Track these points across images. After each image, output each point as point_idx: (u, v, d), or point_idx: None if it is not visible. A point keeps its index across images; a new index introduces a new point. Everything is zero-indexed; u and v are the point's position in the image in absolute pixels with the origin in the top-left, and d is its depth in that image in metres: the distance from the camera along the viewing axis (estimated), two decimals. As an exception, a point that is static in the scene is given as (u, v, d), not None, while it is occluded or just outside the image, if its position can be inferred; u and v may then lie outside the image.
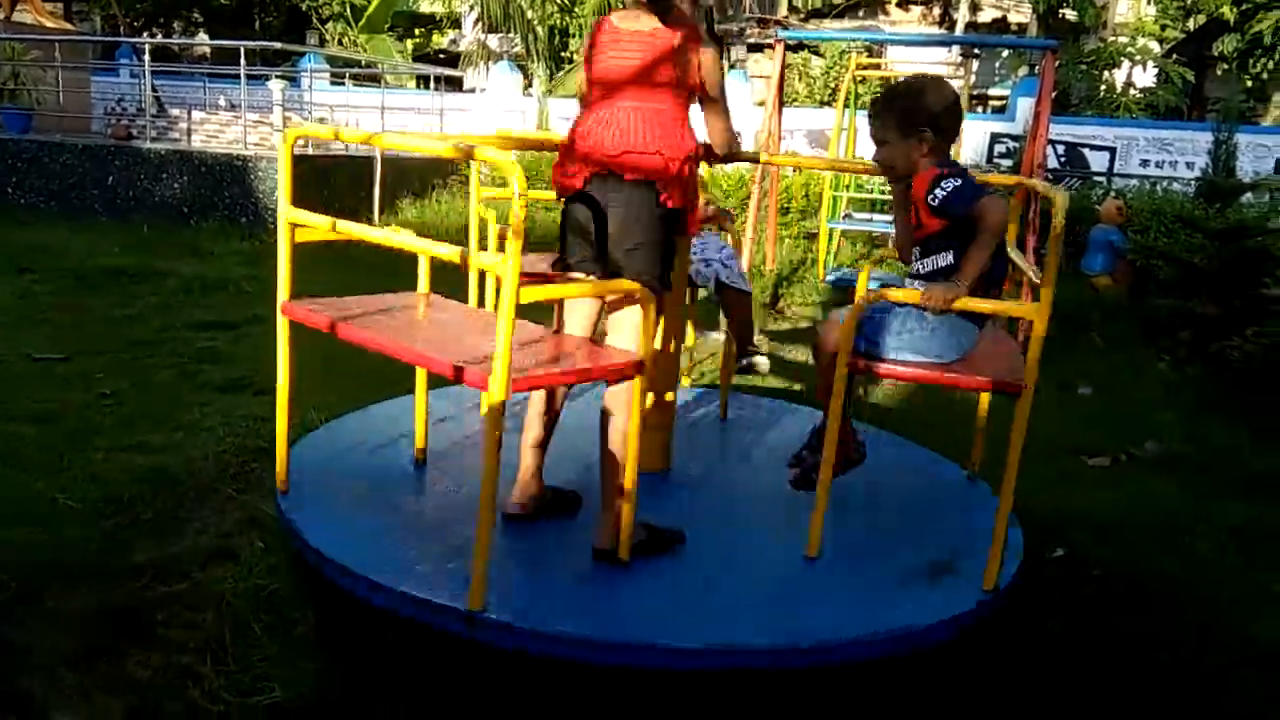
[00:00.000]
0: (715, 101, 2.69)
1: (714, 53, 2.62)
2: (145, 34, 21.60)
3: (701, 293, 4.31)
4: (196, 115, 11.38)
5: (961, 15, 23.59)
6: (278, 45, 12.08)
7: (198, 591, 2.60)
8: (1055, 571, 3.13)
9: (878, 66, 14.64)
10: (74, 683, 2.20)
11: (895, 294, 2.54)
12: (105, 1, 20.38)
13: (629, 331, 2.53)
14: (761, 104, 11.39)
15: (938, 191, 2.52)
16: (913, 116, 2.61)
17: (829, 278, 8.35)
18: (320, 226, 2.56)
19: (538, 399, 2.69)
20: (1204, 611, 2.92)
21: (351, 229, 2.50)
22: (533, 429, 2.71)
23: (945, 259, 2.61)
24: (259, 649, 2.35)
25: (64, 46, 12.24)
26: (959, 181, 2.52)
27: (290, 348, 2.68)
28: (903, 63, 15.59)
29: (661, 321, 2.62)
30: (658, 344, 2.85)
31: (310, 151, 9.91)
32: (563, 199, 2.61)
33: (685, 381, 4.11)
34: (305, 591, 2.58)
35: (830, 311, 2.99)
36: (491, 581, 2.18)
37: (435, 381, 3.12)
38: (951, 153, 2.77)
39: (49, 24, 13.16)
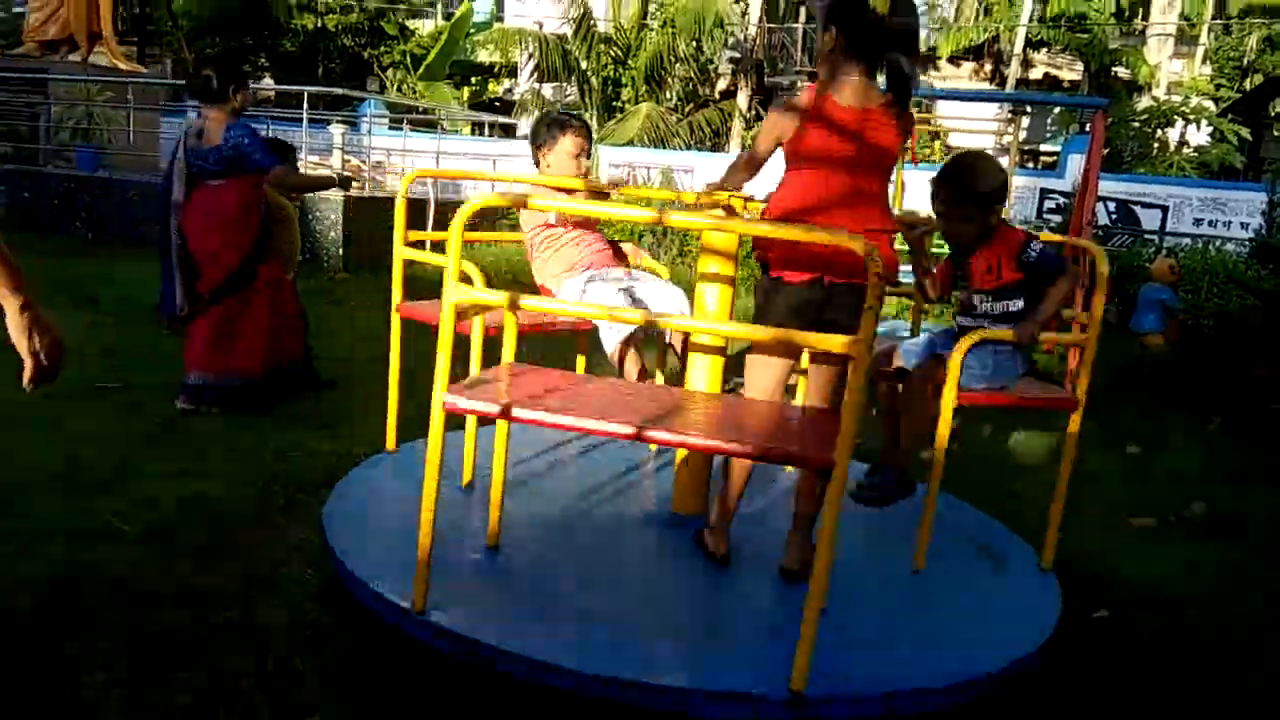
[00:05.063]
0: None
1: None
2: (213, 78, 22.35)
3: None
4: (259, 157, 11.75)
5: (1012, 72, 23.64)
6: (339, 91, 12.46)
7: (244, 619, 2.66)
8: (1098, 634, 3.09)
9: (927, 122, 14.71)
10: (120, 705, 2.26)
11: (995, 333, 3.05)
12: (177, 46, 21.22)
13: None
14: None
15: (1031, 251, 3.04)
16: (993, 193, 3.09)
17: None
18: (496, 303, 2.35)
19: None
20: (1241, 680, 2.86)
21: (545, 305, 2.43)
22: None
23: (1017, 304, 3.12)
24: (303, 679, 2.40)
25: (136, 88, 12.73)
26: (1044, 244, 3.08)
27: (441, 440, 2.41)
28: (953, 118, 15.62)
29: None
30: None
31: (366, 193, 10.17)
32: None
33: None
34: (349, 623, 2.63)
35: (882, 341, 3.23)
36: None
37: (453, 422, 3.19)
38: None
39: (123, 66, 13.68)
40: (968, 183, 3.08)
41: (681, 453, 3.08)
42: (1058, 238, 3.67)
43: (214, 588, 2.82)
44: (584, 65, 18.43)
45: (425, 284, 4.86)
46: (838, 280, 2.64)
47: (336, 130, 10.49)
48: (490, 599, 2.56)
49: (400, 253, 3.39)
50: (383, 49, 23.02)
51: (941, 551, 3.10)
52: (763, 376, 2.81)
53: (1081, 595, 3.25)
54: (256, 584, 2.87)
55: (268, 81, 23.71)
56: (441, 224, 5.22)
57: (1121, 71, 22.58)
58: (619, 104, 19.11)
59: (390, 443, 3.55)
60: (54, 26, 13.08)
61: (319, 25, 22.65)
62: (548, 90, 20.25)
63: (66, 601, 2.70)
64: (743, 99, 20.75)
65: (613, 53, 18.93)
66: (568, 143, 3.78)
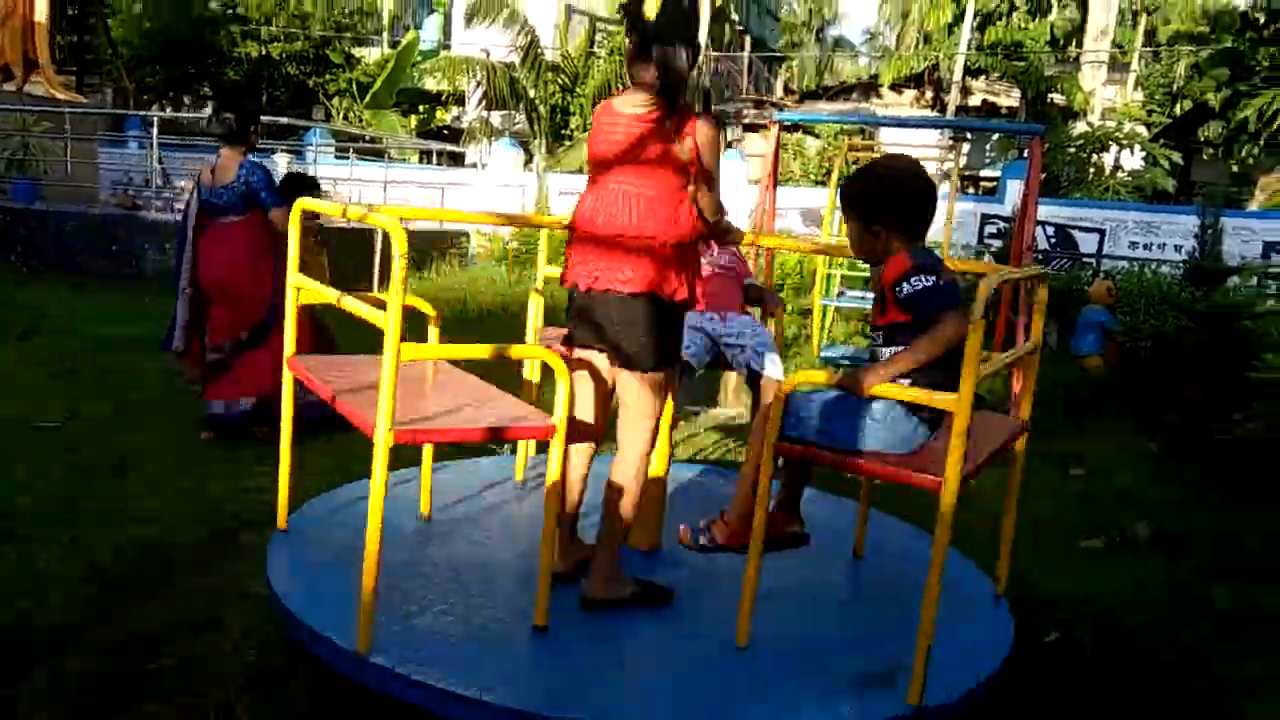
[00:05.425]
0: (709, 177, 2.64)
1: (710, 129, 2.59)
2: (154, 107, 22.05)
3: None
4: (202, 187, 11.57)
5: (952, 99, 24.20)
6: (284, 120, 12.32)
7: (185, 664, 2.59)
8: (1048, 656, 3.13)
9: (871, 148, 14.97)
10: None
11: (812, 375, 2.52)
12: (117, 75, 20.88)
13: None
14: (756, 182, 11.62)
15: (905, 286, 2.36)
16: (874, 205, 2.48)
17: (823, 354, 8.43)
18: (324, 294, 2.72)
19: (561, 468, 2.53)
20: (1191, 694, 2.92)
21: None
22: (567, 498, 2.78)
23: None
24: (246, 724, 2.34)
25: (73, 118, 12.50)
26: (930, 282, 2.34)
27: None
28: (895, 144, 15.91)
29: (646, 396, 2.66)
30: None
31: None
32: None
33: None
34: (293, 665, 2.57)
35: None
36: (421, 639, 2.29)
37: (441, 455, 3.17)
38: (929, 235, 2.68)
39: (60, 96, 13.43)
40: (849, 191, 2.58)
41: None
42: (966, 264, 3.42)
43: (154, 633, 2.74)
44: (532, 93, 18.48)
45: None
46: (592, 287, 2.59)
47: (281, 160, 10.41)
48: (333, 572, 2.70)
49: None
50: (328, 77, 22.86)
51: (885, 576, 3.12)
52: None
53: (1033, 616, 3.30)
54: (200, 627, 2.80)
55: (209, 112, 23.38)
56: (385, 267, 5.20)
57: (1057, 98, 23.25)
58: (568, 131, 19.19)
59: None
60: (-12, 55, 12.82)
61: (263, 53, 22.44)
62: (496, 118, 20.26)
63: (6, 647, 2.60)
64: (690, 126, 20.93)
65: (560, 80, 19.02)
66: None
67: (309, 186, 5.34)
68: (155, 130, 11.11)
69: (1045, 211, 12.88)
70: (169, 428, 4.90)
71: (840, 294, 9.65)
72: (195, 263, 4.74)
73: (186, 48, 21.88)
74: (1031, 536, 4.17)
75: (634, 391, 2.64)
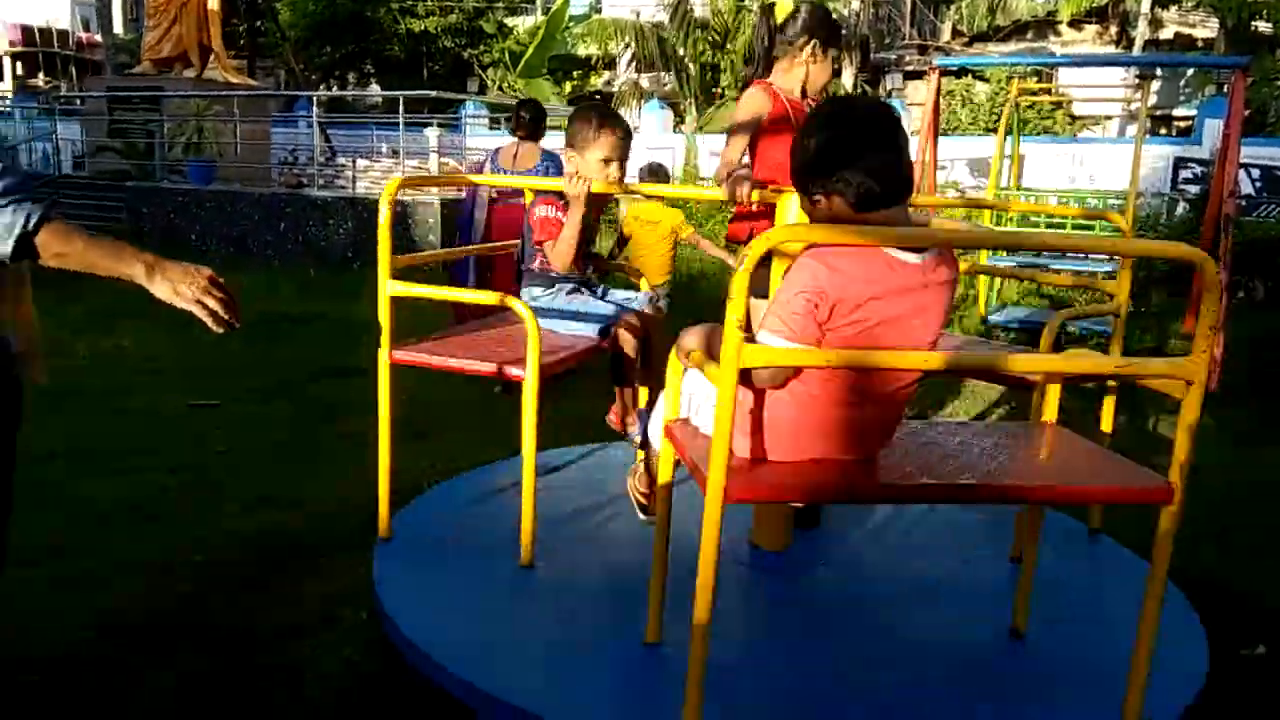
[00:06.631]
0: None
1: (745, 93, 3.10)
2: (321, 86, 23.01)
3: None
4: (360, 163, 11.90)
5: (1140, 33, 22.22)
6: (434, 94, 12.48)
7: (298, 662, 2.53)
8: (1249, 674, 2.68)
9: (1048, 90, 13.85)
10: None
11: None
12: (286, 57, 21.86)
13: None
14: (916, 133, 10.93)
15: None
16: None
17: (991, 317, 7.84)
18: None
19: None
20: None
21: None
22: None
23: None
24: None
25: (244, 101, 13.08)
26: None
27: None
28: (1074, 85, 14.70)
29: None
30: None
31: (451, 194, 10.14)
32: None
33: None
34: (393, 671, 2.47)
35: None
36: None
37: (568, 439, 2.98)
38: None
39: (235, 80, 14.09)
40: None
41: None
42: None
43: (273, 629, 2.70)
44: (681, 52, 18.14)
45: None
46: None
47: (432, 133, 10.53)
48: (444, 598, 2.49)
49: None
50: (482, 48, 23.22)
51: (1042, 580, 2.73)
52: None
53: (1234, 628, 2.84)
54: (319, 623, 2.74)
55: (374, 87, 24.22)
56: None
57: (1263, 26, 20.92)
58: (719, 89, 18.75)
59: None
60: (168, 45, 13.57)
61: (422, 29, 22.97)
62: (645, 80, 20.05)
63: (122, 640, 2.61)
64: (848, 78, 20.09)
65: (710, 38, 18.58)
66: None
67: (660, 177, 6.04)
68: (315, 108, 11.48)
69: (1249, 153, 11.55)
70: (323, 410, 4.96)
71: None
72: (488, 226, 5.35)
73: (349, 27, 22.66)
74: (1237, 530, 3.65)
75: None
